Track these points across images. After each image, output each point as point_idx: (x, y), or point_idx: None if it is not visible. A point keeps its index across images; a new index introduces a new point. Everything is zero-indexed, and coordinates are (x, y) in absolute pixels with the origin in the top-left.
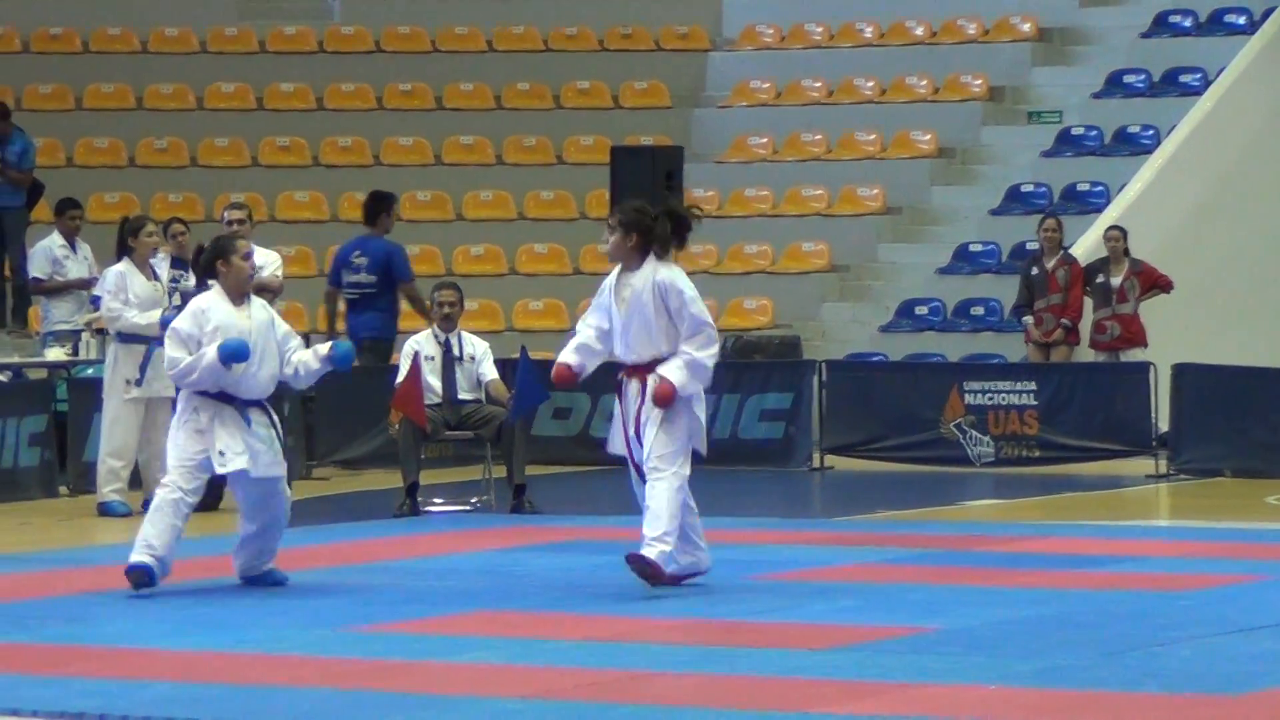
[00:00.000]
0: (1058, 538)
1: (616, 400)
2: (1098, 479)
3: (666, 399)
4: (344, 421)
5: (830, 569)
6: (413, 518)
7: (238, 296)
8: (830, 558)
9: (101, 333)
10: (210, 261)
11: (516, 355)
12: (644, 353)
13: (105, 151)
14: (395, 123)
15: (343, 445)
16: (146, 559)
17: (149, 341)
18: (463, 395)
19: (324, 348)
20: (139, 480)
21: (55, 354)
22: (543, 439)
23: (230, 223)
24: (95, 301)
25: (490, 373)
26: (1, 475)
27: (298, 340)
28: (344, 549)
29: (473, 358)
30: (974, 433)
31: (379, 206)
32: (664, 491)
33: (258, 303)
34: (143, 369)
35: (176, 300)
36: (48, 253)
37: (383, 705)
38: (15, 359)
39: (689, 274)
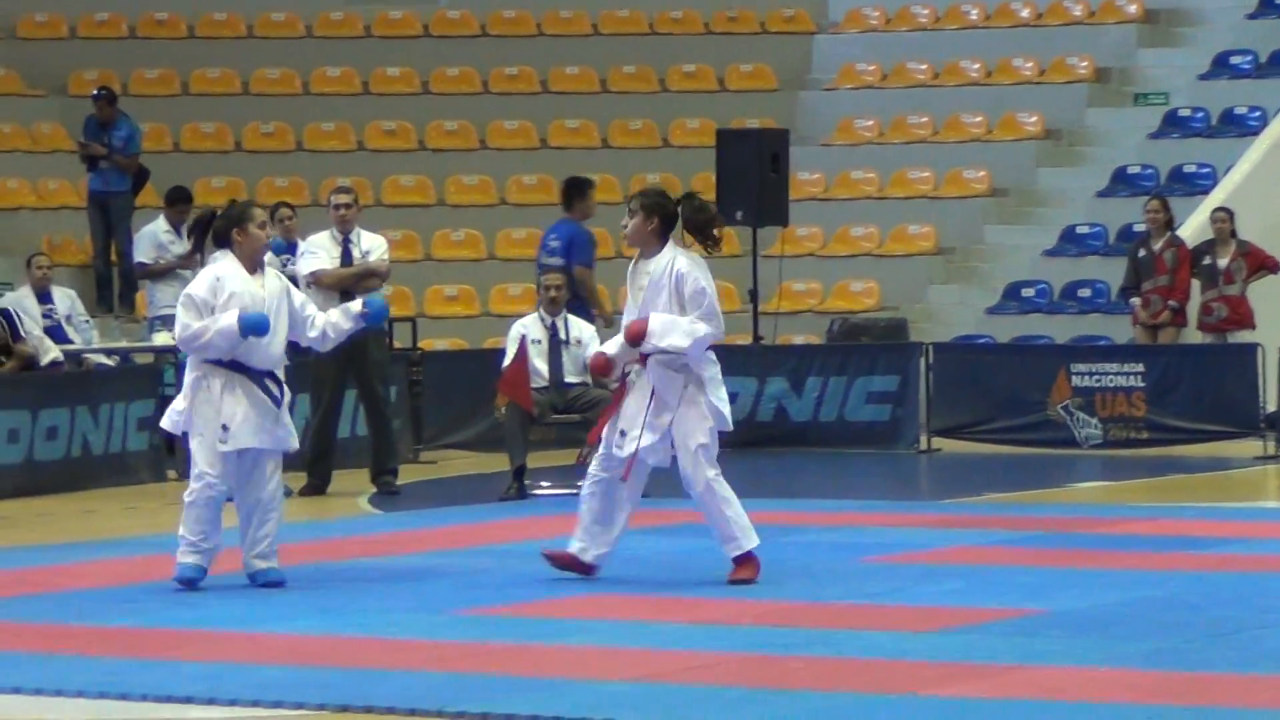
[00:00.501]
0: (1165, 520)
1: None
2: (1205, 460)
3: (633, 334)
4: (451, 405)
5: (938, 551)
6: (520, 501)
7: (251, 265)
8: (938, 540)
9: None
10: (226, 229)
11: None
12: None
13: (211, 136)
14: (500, 106)
15: (450, 429)
16: (192, 561)
17: None
18: (569, 378)
19: (356, 304)
20: None
21: (163, 338)
22: None
23: (337, 206)
24: None
25: None
26: (110, 459)
27: (314, 307)
28: (451, 533)
29: (579, 341)
30: (1081, 415)
31: (573, 191)
32: (711, 503)
33: (271, 272)
34: None
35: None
36: (153, 238)
37: (490, 688)
38: (123, 344)
39: (796, 257)
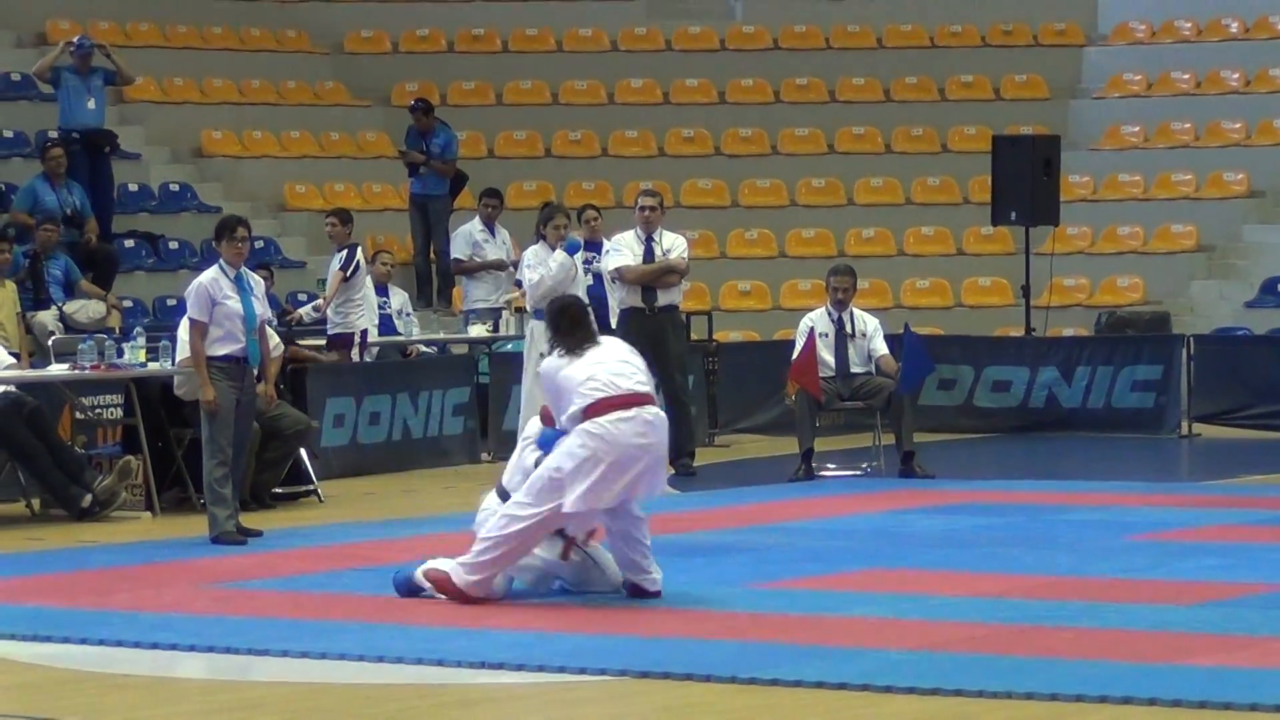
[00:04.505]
0: None
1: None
2: None
3: None
4: (744, 392)
5: (1198, 529)
6: (808, 481)
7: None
8: (1198, 519)
9: (521, 311)
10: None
11: (902, 331)
12: None
13: (523, 143)
14: (791, 115)
15: (743, 415)
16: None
17: None
18: (854, 368)
19: None
20: None
21: (477, 330)
22: (929, 408)
23: (643, 208)
24: (520, 284)
25: (880, 348)
26: (428, 443)
27: None
28: (745, 511)
29: (864, 334)
30: None
31: None
32: None
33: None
34: None
35: (589, 280)
36: (468, 236)
37: (780, 656)
38: (441, 335)
39: (1066, 255)
